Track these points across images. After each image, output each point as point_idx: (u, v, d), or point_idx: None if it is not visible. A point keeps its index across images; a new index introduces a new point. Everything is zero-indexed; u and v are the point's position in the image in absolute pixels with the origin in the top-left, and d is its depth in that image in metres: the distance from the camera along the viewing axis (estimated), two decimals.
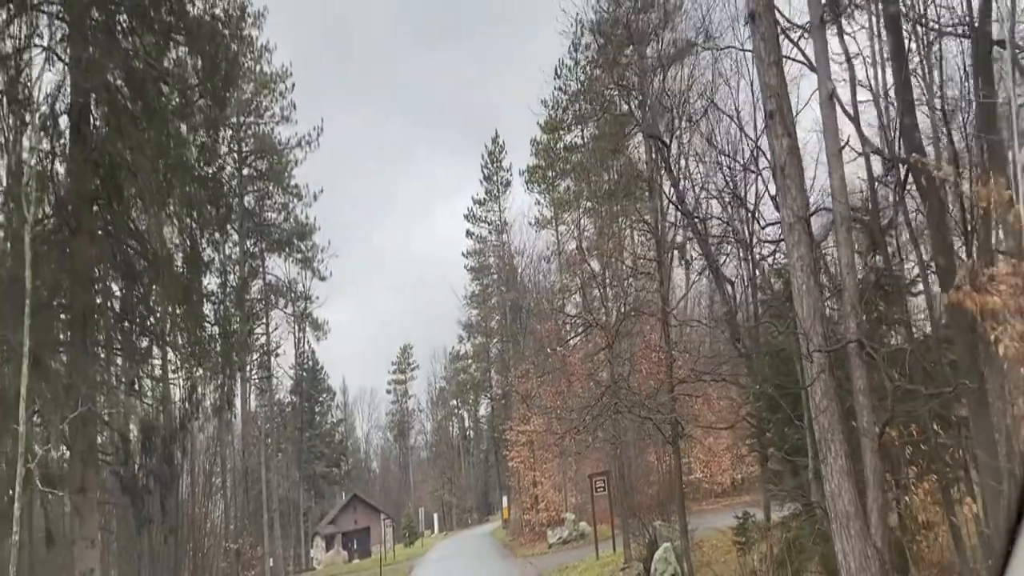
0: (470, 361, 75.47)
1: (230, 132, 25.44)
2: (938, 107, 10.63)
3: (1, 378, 18.07)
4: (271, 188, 46.37)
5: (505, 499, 51.67)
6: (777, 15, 9.67)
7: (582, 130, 43.35)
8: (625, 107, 33.32)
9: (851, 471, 8.26)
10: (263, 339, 48.77)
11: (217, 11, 21.06)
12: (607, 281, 24.53)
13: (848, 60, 10.69)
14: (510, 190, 58.38)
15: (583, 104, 40.86)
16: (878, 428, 8.38)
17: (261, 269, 47.20)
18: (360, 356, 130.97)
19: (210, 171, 21.96)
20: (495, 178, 57.75)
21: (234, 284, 28.96)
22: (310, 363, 67.62)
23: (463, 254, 62.91)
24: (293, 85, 42.92)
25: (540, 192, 48.03)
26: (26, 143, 18.00)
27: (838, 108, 9.51)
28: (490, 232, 58.67)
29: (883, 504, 8.26)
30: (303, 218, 47.18)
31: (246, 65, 35.46)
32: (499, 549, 40.45)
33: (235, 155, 41.43)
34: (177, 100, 20.50)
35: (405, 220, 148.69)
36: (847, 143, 9.63)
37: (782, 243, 10.01)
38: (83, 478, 18.83)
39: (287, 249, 48.24)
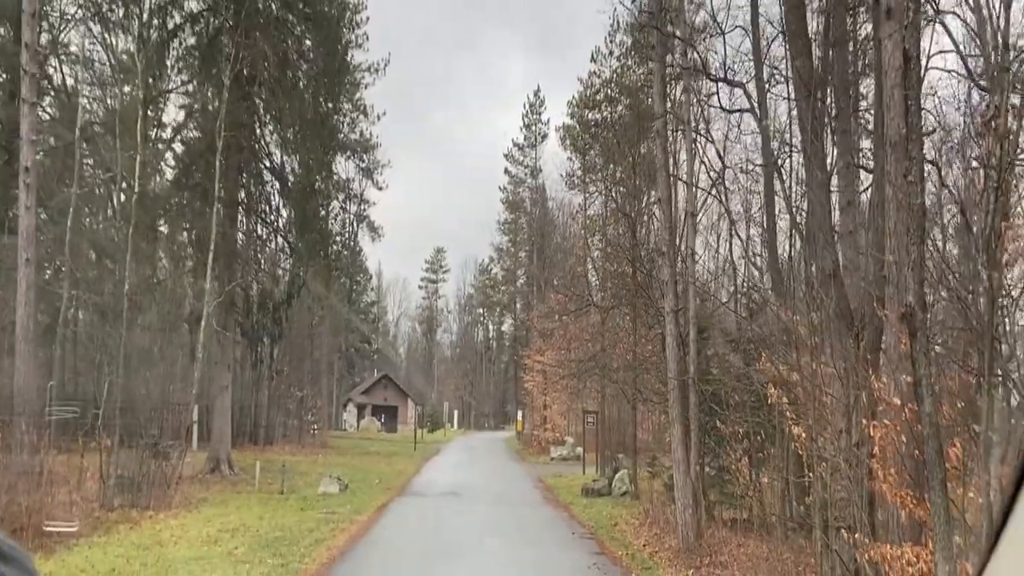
0: (499, 284, 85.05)
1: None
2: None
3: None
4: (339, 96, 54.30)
5: (520, 413, 61.90)
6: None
7: (610, 112, 49.90)
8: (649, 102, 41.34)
9: (684, 440, 17.54)
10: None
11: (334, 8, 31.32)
12: (607, 263, 33.62)
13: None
14: (546, 141, 66.94)
15: (613, 90, 48.24)
16: (697, 422, 17.67)
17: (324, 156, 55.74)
18: (395, 242, 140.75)
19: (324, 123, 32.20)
20: (534, 127, 66.60)
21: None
22: (352, 243, 76.44)
23: (500, 188, 72.01)
24: (368, 18, 50.05)
25: (572, 151, 55.89)
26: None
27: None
28: (525, 175, 67.72)
29: (697, 458, 17.56)
30: (367, 134, 55.59)
31: None
32: (510, 453, 50.94)
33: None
34: (306, 73, 30.69)
35: (461, 114, 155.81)
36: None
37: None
38: (226, 321, 29.10)
39: (350, 153, 56.19)
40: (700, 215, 26.21)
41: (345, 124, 55.24)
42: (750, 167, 20.75)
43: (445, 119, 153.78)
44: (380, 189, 58.26)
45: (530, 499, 26.86)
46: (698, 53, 18.49)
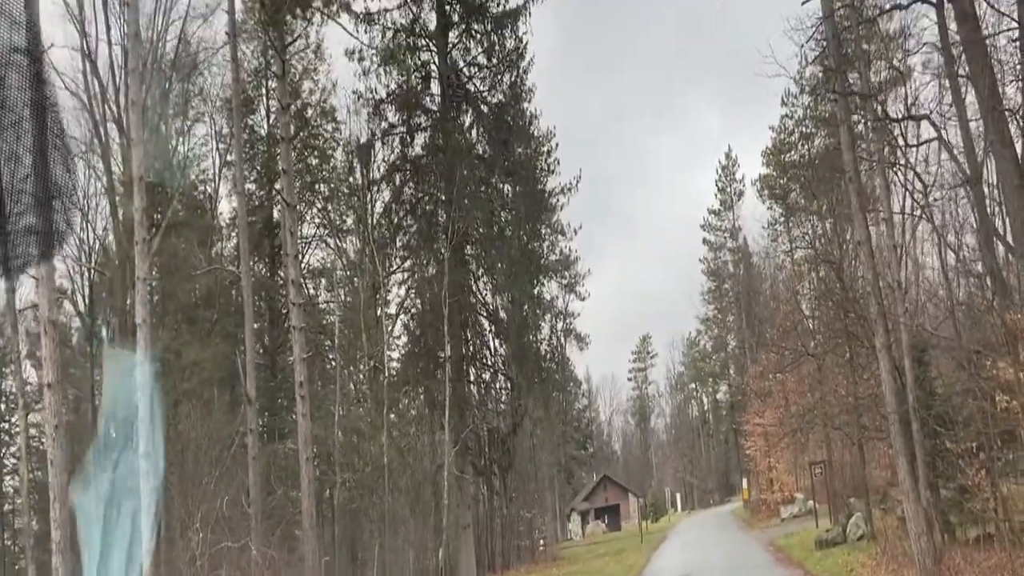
0: (709, 355, 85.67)
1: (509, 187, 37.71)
2: None
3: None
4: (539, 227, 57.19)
5: (745, 481, 61.89)
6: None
7: (808, 150, 49.94)
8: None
9: (911, 469, 18.41)
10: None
11: (530, 151, 34.68)
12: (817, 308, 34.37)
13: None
14: (743, 199, 67.96)
15: (807, 126, 48.58)
16: (925, 448, 18.50)
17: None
18: (600, 340, 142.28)
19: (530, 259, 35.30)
20: (728, 189, 67.99)
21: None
22: (560, 358, 79.51)
23: (700, 259, 73.43)
24: (557, 145, 52.86)
25: (771, 200, 55.99)
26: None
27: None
28: (724, 239, 68.88)
29: (927, 487, 18.35)
30: (566, 251, 58.08)
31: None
32: (737, 523, 51.27)
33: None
34: (510, 219, 33.92)
35: (658, 187, 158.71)
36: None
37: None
38: (462, 465, 31.80)
39: (551, 274, 59.18)
40: (917, 228, 26.85)
41: (545, 248, 57.84)
42: (952, 182, 21.65)
43: (637, 199, 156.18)
44: (583, 300, 60.27)
45: (761, 562, 27.85)
46: (880, 103, 19.94)
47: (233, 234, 33.82)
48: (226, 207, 35.08)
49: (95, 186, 29.42)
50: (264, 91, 36.29)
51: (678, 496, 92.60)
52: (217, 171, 34.90)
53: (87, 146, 27.53)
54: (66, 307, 31.23)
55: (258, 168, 36.24)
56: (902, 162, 22.56)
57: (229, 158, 30.89)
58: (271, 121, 35.66)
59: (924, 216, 22.05)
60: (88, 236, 30.58)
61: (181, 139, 31.56)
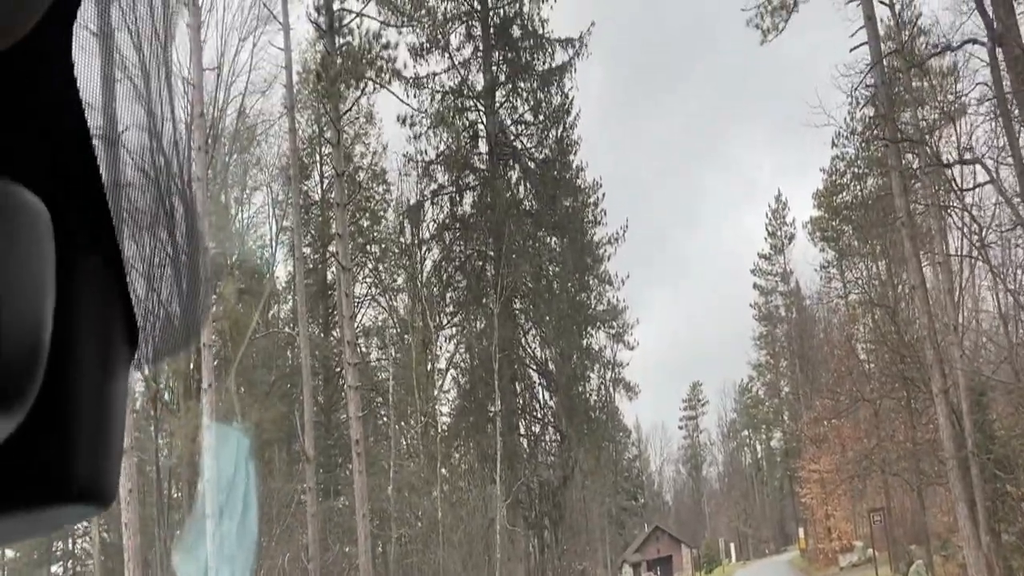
0: (762, 401, 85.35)
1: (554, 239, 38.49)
2: None
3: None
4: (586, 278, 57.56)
5: (801, 530, 61.46)
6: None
7: (860, 191, 49.56)
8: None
9: (971, 515, 18.71)
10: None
11: (577, 204, 35.56)
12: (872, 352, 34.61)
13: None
14: (794, 242, 68.05)
15: (859, 166, 48.47)
16: (984, 494, 18.79)
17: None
18: (649, 389, 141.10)
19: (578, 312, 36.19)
20: (778, 233, 68.30)
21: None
22: (609, 408, 79.84)
23: (751, 304, 73.47)
24: (604, 195, 53.34)
25: (823, 243, 55.56)
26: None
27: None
28: (776, 283, 69.00)
29: (987, 532, 18.61)
30: (614, 301, 58.44)
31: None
32: (795, 572, 51.10)
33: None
34: (558, 273, 34.93)
35: (706, 231, 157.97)
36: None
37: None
38: (514, 518, 32.37)
39: (599, 324, 59.65)
40: (974, 270, 26.96)
41: (593, 299, 58.30)
42: (1009, 224, 21.99)
43: (685, 244, 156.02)
44: (631, 349, 60.41)
45: None
46: (931, 146, 20.54)
47: (289, 297, 34.86)
48: (282, 271, 36.33)
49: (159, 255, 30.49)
50: (318, 157, 37.45)
51: (732, 546, 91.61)
52: (274, 236, 36.19)
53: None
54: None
55: (312, 232, 37.43)
56: (956, 205, 22.95)
57: (285, 223, 32.01)
58: (324, 186, 36.91)
59: (981, 258, 22.47)
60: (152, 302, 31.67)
61: (240, 208, 32.83)
